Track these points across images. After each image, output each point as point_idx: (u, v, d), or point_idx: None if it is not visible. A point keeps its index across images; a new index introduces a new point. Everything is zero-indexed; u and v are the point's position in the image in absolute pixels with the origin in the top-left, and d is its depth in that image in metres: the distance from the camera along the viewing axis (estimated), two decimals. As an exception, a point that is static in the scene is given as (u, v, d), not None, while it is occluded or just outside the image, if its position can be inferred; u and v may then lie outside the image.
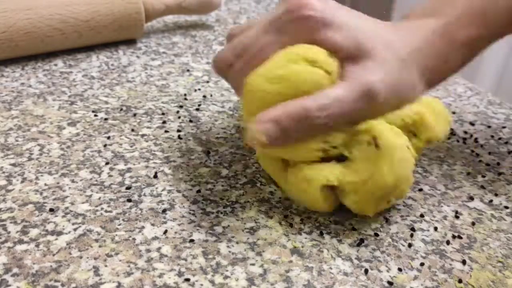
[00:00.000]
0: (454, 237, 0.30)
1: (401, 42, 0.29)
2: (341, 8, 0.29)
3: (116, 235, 0.28)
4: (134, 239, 0.28)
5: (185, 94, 0.43)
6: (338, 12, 0.28)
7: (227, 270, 0.27)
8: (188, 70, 0.48)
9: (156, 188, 0.32)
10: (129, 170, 0.34)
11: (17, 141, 0.36)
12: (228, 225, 0.30)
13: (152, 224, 0.29)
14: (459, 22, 0.31)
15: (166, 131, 0.38)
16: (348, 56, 0.27)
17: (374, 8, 1.86)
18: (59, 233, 0.28)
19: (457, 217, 0.32)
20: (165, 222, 0.29)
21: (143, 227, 0.29)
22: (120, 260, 0.27)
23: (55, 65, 0.47)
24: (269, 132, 0.26)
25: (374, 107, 0.27)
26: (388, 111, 0.29)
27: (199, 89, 0.44)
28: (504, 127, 0.42)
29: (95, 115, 0.39)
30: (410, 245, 0.29)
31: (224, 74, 0.31)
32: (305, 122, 0.26)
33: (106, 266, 0.26)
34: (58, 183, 0.32)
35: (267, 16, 0.30)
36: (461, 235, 0.30)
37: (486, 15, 0.31)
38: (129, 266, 0.26)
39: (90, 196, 0.31)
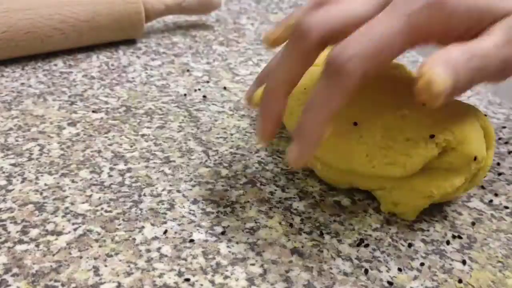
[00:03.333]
0: (454, 237, 0.30)
1: None
2: None
3: (116, 235, 0.28)
4: (134, 239, 0.28)
5: (185, 94, 0.43)
6: None
7: (227, 270, 0.27)
8: (188, 70, 0.48)
9: (156, 188, 0.32)
10: (129, 170, 0.34)
11: (17, 141, 0.36)
12: (228, 225, 0.30)
13: (152, 224, 0.29)
14: None
15: (166, 131, 0.38)
16: (499, 11, 0.25)
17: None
18: (59, 233, 0.28)
19: (457, 217, 0.32)
20: (165, 222, 0.29)
21: (143, 227, 0.29)
22: (120, 260, 0.27)
23: (55, 65, 0.47)
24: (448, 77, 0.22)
25: None
26: None
27: (199, 89, 0.44)
28: (504, 127, 0.42)
29: (95, 115, 0.39)
30: (410, 245, 0.29)
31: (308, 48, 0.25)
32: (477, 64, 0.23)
33: (106, 266, 0.26)
34: (58, 183, 0.32)
35: None
36: (461, 235, 0.30)
37: None
38: (129, 266, 0.26)
39: (90, 196, 0.31)
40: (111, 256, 0.27)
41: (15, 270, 0.26)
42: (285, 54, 0.26)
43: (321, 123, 0.24)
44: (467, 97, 0.47)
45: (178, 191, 0.32)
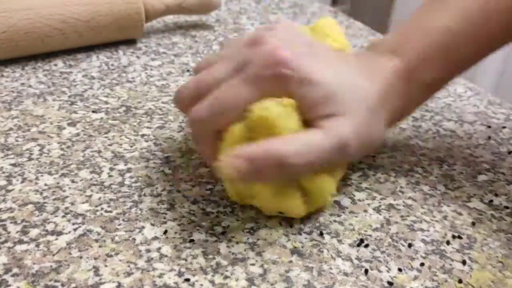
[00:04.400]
0: (454, 237, 0.30)
1: (370, 89, 0.30)
2: (314, 57, 0.29)
3: (116, 235, 0.28)
4: (134, 239, 0.28)
5: (185, 94, 0.43)
6: (313, 67, 0.28)
7: (227, 270, 0.27)
8: (188, 70, 0.48)
9: (156, 188, 0.32)
10: (129, 170, 0.34)
11: (17, 141, 0.36)
12: (228, 225, 0.30)
13: (152, 224, 0.29)
14: (420, 64, 0.32)
15: (166, 131, 0.38)
16: (323, 113, 0.28)
17: (374, 8, 1.87)
18: (59, 233, 0.28)
19: (457, 217, 0.32)
20: (165, 222, 0.29)
21: (143, 227, 0.29)
22: (120, 260, 0.27)
23: (55, 65, 0.47)
24: (242, 169, 0.26)
25: (344, 157, 0.29)
26: (355, 159, 0.33)
27: (199, 89, 0.44)
28: (504, 127, 0.42)
29: (95, 115, 0.39)
30: (410, 245, 0.29)
31: (185, 111, 0.31)
32: (280, 167, 0.26)
33: (106, 266, 0.26)
34: (58, 183, 0.32)
35: (232, 56, 0.30)
36: (461, 235, 0.30)
37: (447, 56, 0.32)
38: (129, 266, 0.26)
39: (90, 196, 0.31)
40: (111, 256, 0.27)
41: (15, 270, 0.26)
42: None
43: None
44: (468, 97, 0.47)
45: (178, 191, 0.32)
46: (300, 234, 0.29)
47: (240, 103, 0.28)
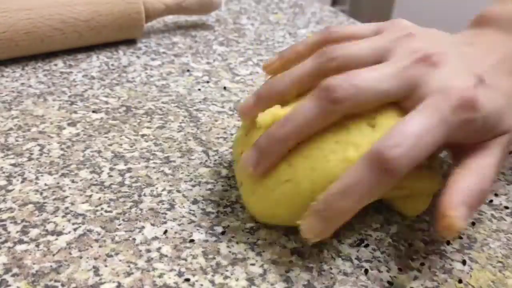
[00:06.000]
0: (454, 237, 0.30)
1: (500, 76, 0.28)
2: (489, 87, 0.27)
3: (116, 235, 0.28)
4: (134, 239, 0.28)
5: (185, 94, 0.43)
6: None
7: (227, 270, 0.27)
8: (188, 70, 0.48)
9: (156, 188, 0.32)
10: (129, 170, 0.34)
11: (17, 141, 0.36)
12: (228, 225, 0.30)
13: (152, 224, 0.29)
14: None
15: (166, 131, 0.38)
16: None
17: (374, 8, 1.87)
18: (59, 233, 0.28)
19: (457, 217, 0.32)
20: (165, 222, 0.29)
21: (143, 227, 0.29)
22: (120, 260, 0.27)
23: (55, 65, 0.47)
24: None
25: None
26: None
27: (199, 89, 0.44)
28: (504, 127, 0.42)
29: (95, 115, 0.39)
30: (410, 245, 0.29)
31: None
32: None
33: (106, 266, 0.26)
34: (58, 183, 0.32)
35: (394, 74, 0.26)
36: (461, 235, 0.30)
37: None
38: (129, 266, 0.26)
39: (90, 196, 0.31)
40: (111, 256, 0.27)
41: (15, 270, 0.26)
42: (308, 107, 0.26)
43: (354, 210, 0.25)
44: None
45: (178, 191, 0.32)
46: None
47: (431, 149, 0.24)
